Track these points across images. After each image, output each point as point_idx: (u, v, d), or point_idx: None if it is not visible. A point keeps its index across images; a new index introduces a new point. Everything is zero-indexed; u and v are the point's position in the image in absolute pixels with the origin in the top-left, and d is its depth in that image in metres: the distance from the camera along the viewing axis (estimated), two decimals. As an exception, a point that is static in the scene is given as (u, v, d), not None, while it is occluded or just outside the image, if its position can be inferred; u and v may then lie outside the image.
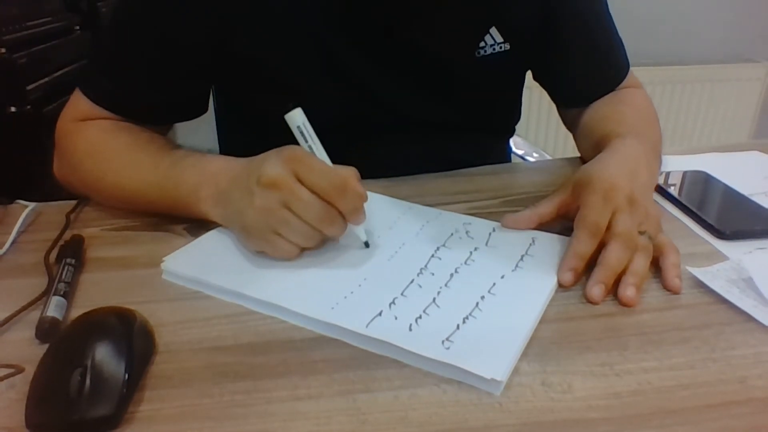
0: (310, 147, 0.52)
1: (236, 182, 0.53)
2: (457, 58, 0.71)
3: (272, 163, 0.50)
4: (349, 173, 0.51)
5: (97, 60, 0.70)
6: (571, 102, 0.80)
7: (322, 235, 0.51)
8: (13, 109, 1.21)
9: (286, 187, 0.48)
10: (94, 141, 0.65)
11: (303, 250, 0.52)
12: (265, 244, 0.51)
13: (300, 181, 0.49)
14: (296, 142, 0.53)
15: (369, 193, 0.65)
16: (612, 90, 0.77)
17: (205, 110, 0.74)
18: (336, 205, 0.50)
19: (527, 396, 0.39)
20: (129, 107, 0.67)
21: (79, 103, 0.67)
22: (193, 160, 0.59)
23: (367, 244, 0.54)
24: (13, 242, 0.58)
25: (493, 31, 0.70)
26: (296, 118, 0.51)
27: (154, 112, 0.68)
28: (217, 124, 0.90)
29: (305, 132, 0.52)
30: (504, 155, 0.91)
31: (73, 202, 0.65)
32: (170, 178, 0.58)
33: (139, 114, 0.67)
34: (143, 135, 0.65)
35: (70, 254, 0.53)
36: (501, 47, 0.71)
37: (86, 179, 0.65)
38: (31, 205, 0.64)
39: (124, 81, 0.67)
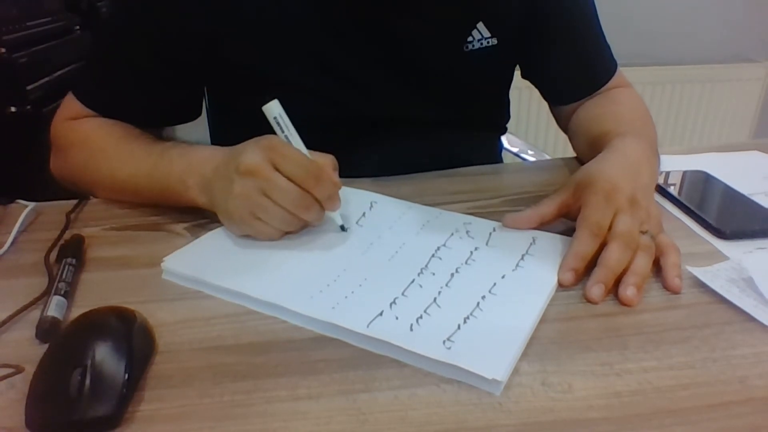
0: (286, 137, 0.54)
1: (218, 171, 0.55)
2: (445, 52, 0.71)
3: (250, 152, 0.52)
4: (326, 161, 0.55)
5: (91, 65, 0.71)
6: (560, 99, 0.81)
7: (299, 219, 0.54)
8: (13, 109, 1.21)
9: (263, 175, 0.51)
10: (88, 135, 0.67)
11: (285, 233, 0.55)
12: (247, 228, 0.54)
13: (277, 169, 0.51)
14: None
15: (368, 193, 0.66)
16: (599, 88, 0.78)
17: (197, 115, 0.75)
18: (312, 192, 0.52)
19: (527, 396, 0.39)
20: (121, 111, 0.68)
21: (72, 105, 0.69)
22: (181, 150, 0.61)
23: (343, 228, 0.57)
24: (13, 242, 0.58)
25: (480, 26, 0.70)
26: (273, 110, 0.54)
27: (144, 115, 0.70)
28: (209, 124, 0.90)
29: (281, 122, 0.54)
30: (495, 153, 0.92)
31: (73, 202, 0.65)
32: (159, 167, 0.61)
33: (131, 118, 0.68)
34: (136, 129, 0.67)
35: (71, 254, 0.53)
36: (488, 42, 0.71)
37: (81, 172, 0.67)
38: (31, 205, 0.64)
39: (116, 86, 0.68)
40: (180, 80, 0.70)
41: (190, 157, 0.59)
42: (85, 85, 0.70)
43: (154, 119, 0.72)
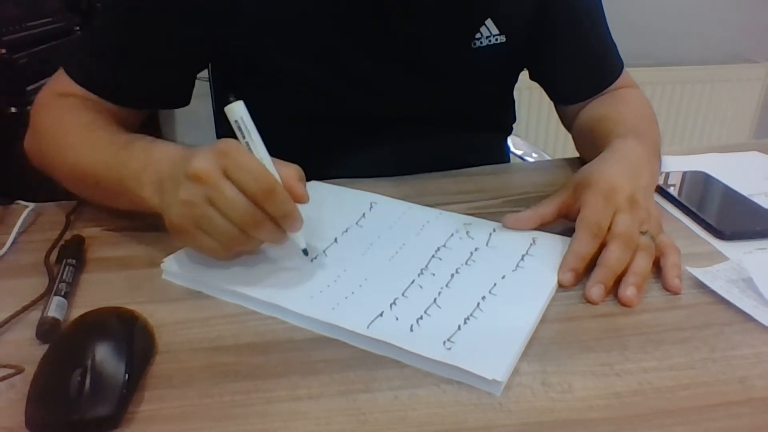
0: (247, 143, 0.48)
1: (172, 171, 0.49)
2: (453, 49, 0.71)
3: (202, 156, 0.47)
4: (288, 172, 0.48)
5: (83, 41, 0.69)
6: (566, 99, 0.81)
7: (250, 237, 0.48)
8: (13, 109, 1.21)
9: (210, 182, 0.45)
10: (59, 116, 0.64)
11: (237, 252, 0.50)
12: (190, 240, 0.49)
13: (228, 177, 0.46)
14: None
15: (368, 193, 0.66)
16: (605, 88, 0.78)
17: (186, 103, 0.72)
18: (263, 207, 0.46)
19: (527, 396, 0.39)
20: (104, 87, 0.66)
21: (61, 79, 0.67)
22: (145, 143, 0.56)
23: (305, 252, 0.51)
24: (13, 242, 0.58)
25: (489, 23, 0.70)
26: (235, 112, 0.48)
27: (130, 94, 0.67)
28: (215, 119, 0.90)
29: (243, 127, 0.48)
30: (502, 155, 0.92)
31: (74, 203, 0.65)
32: (119, 158, 0.55)
33: (114, 94, 0.66)
34: (107, 118, 0.64)
35: (71, 254, 0.53)
36: (497, 39, 0.71)
37: (46, 154, 0.64)
38: (31, 205, 0.64)
39: (104, 61, 0.66)
40: (175, 63, 0.68)
41: (151, 152, 0.54)
42: (75, 58, 0.68)
43: (143, 100, 0.69)
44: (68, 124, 0.63)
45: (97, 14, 0.72)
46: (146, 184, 0.52)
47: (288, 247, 0.51)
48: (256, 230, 0.47)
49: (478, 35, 0.70)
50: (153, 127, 1.56)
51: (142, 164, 0.53)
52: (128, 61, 0.66)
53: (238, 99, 0.48)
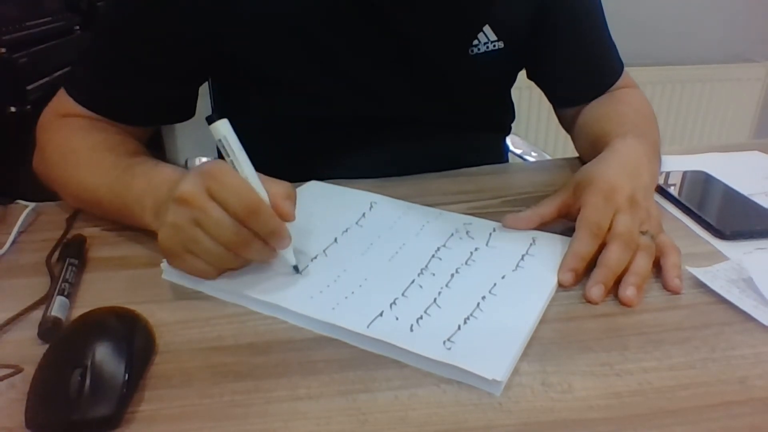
0: (231, 162, 0.48)
1: (168, 195, 0.50)
2: (450, 55, 0.71)
3: (188, 179, 0.47)
4: (276, 190, 0.48)
5: (83, 59, 0.69)
6: (566, 102, 0.81)
7: (238, 257, 0.48)
8: (13, 109, 1.20)
9: (196, 204, 0.46)
10: (66, 137, 0.65)
11: (225, 270, 0.50)
12: (179, 262, 0.49)
13: (213, 198, 0.46)
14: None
15: (368, 193, 0.66)
16: (605, 90, 0.78)
17: (191, 115, 0.73)
18: (248, 226, 0.46)
19: (527, 396, 0.39)
20: (109, 106, 0.66)
21: (62, 100, 0.67)
22: (146, 167, 0.57)
23: (296, 269, 0.50)
24: (13, 242, 0.58)
25: (487, 29, 0.70)
26: (218, 131, 0.48)
27: (133, 112, 0.67)
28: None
29: (227, 146, 0.48)
30: (501, 154, 0.92)
31: (73, 203, 0.65)
32: (121, 182, 0.57)
33: (119, 114, 0.67)
34: (115, 137, 0.64)
35: (73, 254, 0.53)
36: (495, 45, 0.71)
37: (53, 174, 0.64)
38: (31, 205, 0.64)
39: (106, 80, 0.66)
40: (176, 78, 0.68)
41: (151, 176, 0.55)
42: (76, 80, 0.68)
43: (147, 116, 0.70)
44: (74, 146, 0.64)
45: (94, 29, 0.71)
46: (147, 209, 0.53)
47: (278, 262, 0.51)
48: (243, 249, 0.47)
49: (476, 42, 0.70)
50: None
51: (143, 189, 0.54)
52: (129, 76, 0.66)
53: (221, 117, 0.48)
